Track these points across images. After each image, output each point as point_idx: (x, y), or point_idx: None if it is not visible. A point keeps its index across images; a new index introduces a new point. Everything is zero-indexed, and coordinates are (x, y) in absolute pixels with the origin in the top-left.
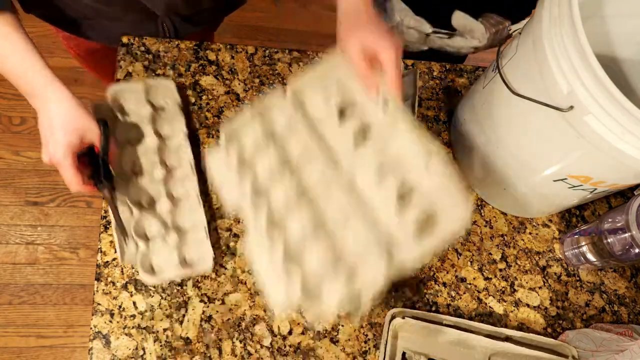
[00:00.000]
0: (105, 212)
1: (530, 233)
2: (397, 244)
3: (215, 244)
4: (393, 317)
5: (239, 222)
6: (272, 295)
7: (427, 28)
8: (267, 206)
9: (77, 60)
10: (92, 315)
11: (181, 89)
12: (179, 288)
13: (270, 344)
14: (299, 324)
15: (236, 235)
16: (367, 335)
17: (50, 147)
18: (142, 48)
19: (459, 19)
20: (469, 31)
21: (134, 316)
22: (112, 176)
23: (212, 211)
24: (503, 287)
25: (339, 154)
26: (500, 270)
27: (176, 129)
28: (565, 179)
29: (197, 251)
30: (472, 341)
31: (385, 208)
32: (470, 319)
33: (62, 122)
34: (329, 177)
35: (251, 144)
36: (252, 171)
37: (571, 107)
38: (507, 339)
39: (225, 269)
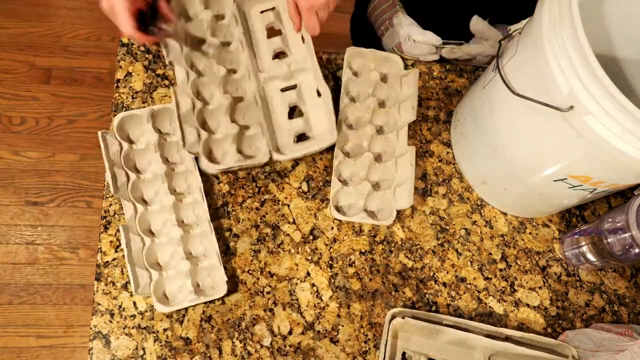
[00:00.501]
0: (106, 212)
1: (530, 233)
2: (281, 139)
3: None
4: (393, 317)
5: (239, 222)
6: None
7: (436, 41)
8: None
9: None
10: (92, 315)
11: None
12: None
13: (270, 344)
14: (298, 324)
15: (236, 235)
16: (367, 335)
17: None
18: (142, 48)
19: (477, 24)
20: (485, 38)
21: (134, 316)
22: (166, 21)
23: (212, 211)
24: (503, 287)
25: (261, 64)
26: (500, 270)
27: (185, 154)
28: (565, 179)
29: (210, 277)
30: (472, 341)
31: (280, 113)
32: (471, 319)
33: None
34: (249, 71)
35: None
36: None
37: (571, 107)
38: (507, 338)
39: (226, 269)
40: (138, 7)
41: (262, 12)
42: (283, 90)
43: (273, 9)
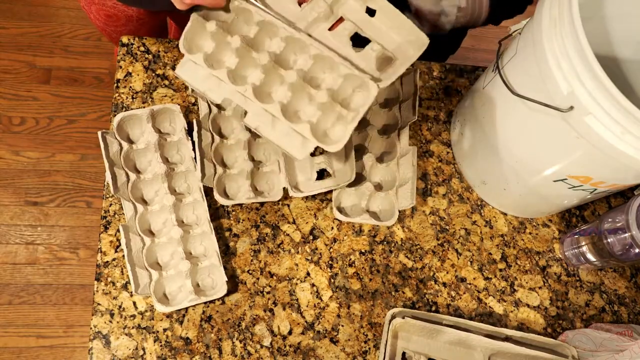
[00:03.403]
0: (106, 212)
1: (530, 233)
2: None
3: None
4: (393, 317)
5: (239, 222)
6: (290, 148)
7: None
8: (250, 85)
9: (97, 26)
10: (92, 315)
11: (186, 112)
12: None
13: (270, 344)
14: (298, 324)
15: (236, 235)
16: (367, 335)
17: None
18: (142, 48)
19: None
20: None
21: (134, 316)
22: None
23: (212, 211)
24: (503, 287)
25: (289, 17)
26: (500, 270)
27: (185, 155)
28: (565, 179)
29: (210, 277)
30: (472, 341)
31: (344, 50)
32: (471, 319)
33: None
34: (292, 42)
35: (210, 43)
36: (223, 65)
37: (571, 108)
38: (507, 338)
39: (226, 269)
40: None
41: None
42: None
43: None
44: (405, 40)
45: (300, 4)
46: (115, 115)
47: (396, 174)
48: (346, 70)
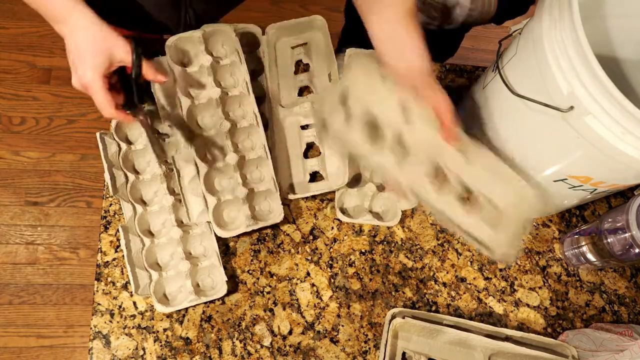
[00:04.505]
0: (106, 212)
1: (530, 233)
2: (296, 177)
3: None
4: (393, 317)
5: None
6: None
7: None
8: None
9: None
10: (92, 315)
11: None
12: None
13: (270, 344)
14: (299, 324)
15: (236, 235)
16: (367, 335)
17: (79, 69)
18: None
19: None
20: None
21: (134, 316)
22: (148, 98)
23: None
24: (503, 287)
25: (287, 93)
26: (500, 270)
27: (183, 155)
28: (565, 179)
29: (210, 277)
30: (472, 341)
31: (298, 147)
32: (471, 319)
33: (89, 45)
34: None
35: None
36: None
37: (571, 108)
38: (507, 338)
39: (225, 268)
40: (116, 80)
41: (293, 47)
42: (303, 127)
43: (305, 44)
44: (340, 170)
45: (299, 94)
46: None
47: None
48: (269, 178)
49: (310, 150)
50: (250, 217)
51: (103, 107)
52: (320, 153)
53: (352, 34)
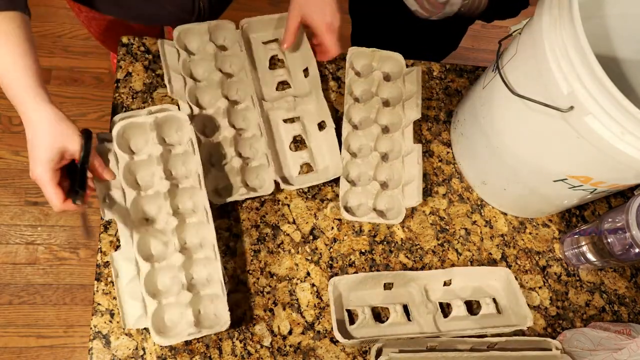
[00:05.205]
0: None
1: (530, 233)
2: (286, 170)
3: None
4: (379, 354)
5: (239, 222)
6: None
7: None
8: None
9: (97, 39)
10: (92, 315)
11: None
12: None
13: (270, 343)
14: (298, 324)
15: (236, 236)
16: None
17: (31, 163)
18: (142, 48)
19: None
20: None
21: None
22: (86, 187)
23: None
24: None
25: (265, 92)
26: None
27: (191, 170)
28: (565, 179)
29: (212, 307)
30: None
31: (283, 144)
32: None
33: (42, 140)
34: (254, 100)
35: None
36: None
37: (571, 108)
38: (490, 347)
39: (226, 268)
40: (63, 167)
41: (264, 42)
42: (285, 121)
43: (276, 40)
44: (329, 161)
45: (277, 89)
46: (114, 115)
47: (401, 172)
48: (264, 162)
49: (298, 143)
50: (192, 324)
51: (51, 200)
52: (307, 146)
53: (361, 35)
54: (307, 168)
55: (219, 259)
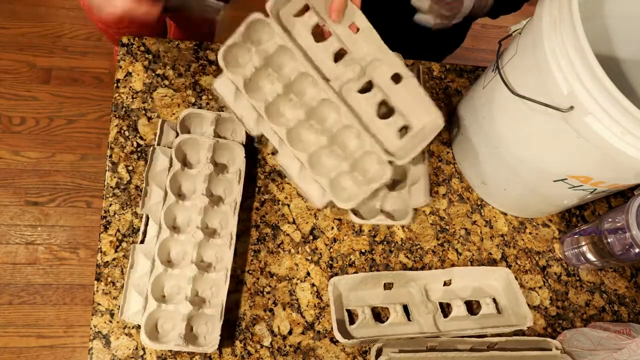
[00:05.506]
0: (106, 212)
1: (530, 233)
2: (389, 144)
3: None
4: (379, 354)
5: (239, 222)
6: (311, 195)
7: None
8: (285, 126)
9: (97, 27)
10: (92, 315)
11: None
12: None
13: (270, 343)
14: (298, 324)
15: (236, 235)
16: None
17: None
18: (142, 48)
19: None
20: None
21: None
22: None
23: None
24: None
25: (325, 72)
26: None
27: (230, 196)
28: (565, 179)
29: (206, 327)
30: None
31: (371, 117)
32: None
33: None
34: (324, 95)
35: (250, 68)
36: (261, 94)
37: (571, 108)
38: (490, 347)
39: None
40: None
41: (295, 15)
42: (361, 91)
43: (306, 8)
44: (424, 117)
45: (335, 61)
46: (115, 115)
47: (407, 172)
48: (369, 148)
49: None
50: (181, 337)
51: None
52: (394, 109)
53: None
54: (405, 131)
55: (227, 285)
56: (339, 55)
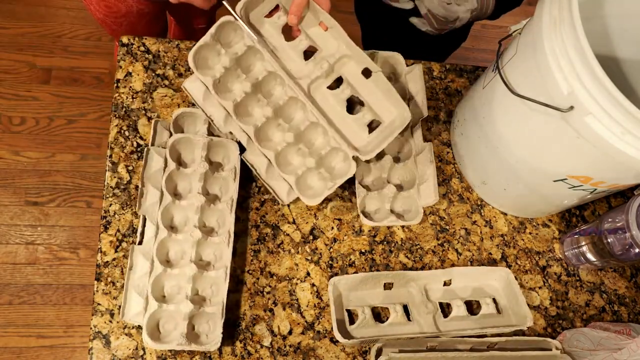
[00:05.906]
0: (106, 212)
1: (530, 233)
2: (355, 140)
3: None
4: (379, 354)
5: (239, 221)
6: (278, 192)
7: None
8: (252, 125)
9: (97, 19)
10: (92, 315)
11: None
12: None
13: (270, 343)
14: (298, 324)
15: (236, 235)
16: None
17: None
18: (142, 48)
19: None
20: None
21: None
22: None
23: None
24: None
25: (295, 70)
26: None
27: (226, 194)
28: (565, 179)
29: (207, 325)
30: None
31: (340, 113)
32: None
33: None
34: (292, 93)
35: (220, 69)
36: (230, 94)
37: (571, 108)
38: (490, 347)
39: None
40: None
41: (266, 16)
42: (330, 87)
43: (277, 7)
44: (393, 110)
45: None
46: (115, 115)
47: (415, 172)
48: (335, 144)
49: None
50: (184, 336)
51: None
52: (363, 103)
53: (370, 37)
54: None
55: (227, 283)
56: (310, 54)
